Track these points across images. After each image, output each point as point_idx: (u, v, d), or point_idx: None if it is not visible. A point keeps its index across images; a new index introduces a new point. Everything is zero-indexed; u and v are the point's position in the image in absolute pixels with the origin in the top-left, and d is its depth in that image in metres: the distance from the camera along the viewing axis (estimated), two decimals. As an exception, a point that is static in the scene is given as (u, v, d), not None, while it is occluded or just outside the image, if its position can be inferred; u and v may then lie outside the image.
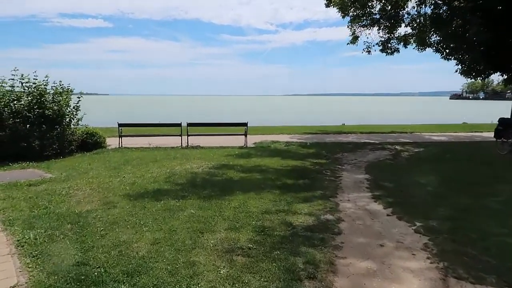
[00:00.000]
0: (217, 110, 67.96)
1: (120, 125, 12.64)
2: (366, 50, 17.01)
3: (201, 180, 7.54)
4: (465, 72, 14.36)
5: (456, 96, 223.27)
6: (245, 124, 12.98)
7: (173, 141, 13.18)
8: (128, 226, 4.84)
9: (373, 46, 17.21)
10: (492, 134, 17.33)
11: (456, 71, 14.83)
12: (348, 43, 16.70)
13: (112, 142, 13.19)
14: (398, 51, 18.19)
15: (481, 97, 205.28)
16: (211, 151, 11.59)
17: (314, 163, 9.84)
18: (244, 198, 6.20)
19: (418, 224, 5.08)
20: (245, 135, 13.03)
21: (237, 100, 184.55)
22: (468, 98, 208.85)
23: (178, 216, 5.24)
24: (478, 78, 14.39)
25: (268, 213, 5.43)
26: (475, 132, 18.70)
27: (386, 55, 18.20)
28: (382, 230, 4.88)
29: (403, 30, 19.92)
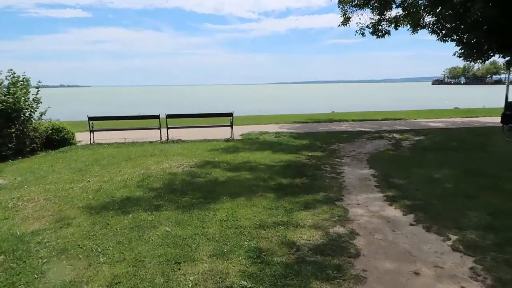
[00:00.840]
0: (202, 100, 66.40)
1: (90, 118, 11.28)
2: (359, 32, 15.88)
3: (181, 182, 6.36)
4: (465, 55, 13.42)
5: (438, 82, 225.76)
6: (230, 115, 11.79)
7: (152, 135, 11.92)
8: (80, 256, 3.67)
9: (365, 28, 16.08)
10: (488, 119, 16.85)
11: (454, 54, 13.90)
12: (339, 25, 15.54)
13: (83, 137, 11.85)
14: (389, 34, 17.11)
15: (462, 82, 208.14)
16: (194, 146, 10.39)
17: (309, 156, 8.76)
18: (233, 206, 5.07)
19: (452, 237, 4.05)
20: (231, 126, 11.85)
21: (222, 89, 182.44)
22: (449, 83, 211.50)
23: (148, 237, 4.08)
24: (478, 61, 13.46)
25: (263, 227, 4.32)
26: (471, 117, 17.93)
27: (377, 37, 17.10)
28: (411, 248, 3.83)
29: (394, 11, 18.90)
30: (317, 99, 63.39)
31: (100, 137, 11.76)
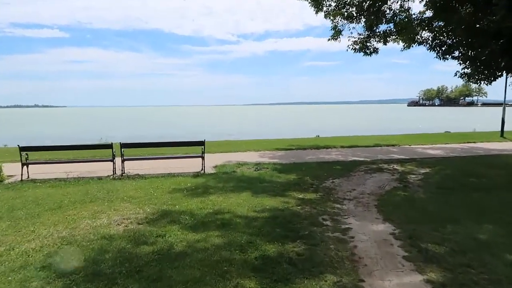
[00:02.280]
0: (177, 122, 64.13)
1: (22, 149, 8.93)
2: (352, 47, 14.24)
3: (114, 258, 4.17)
4: (469, 75, 11.88)
5: (413, 103, 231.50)
6: (201, 143, 9.69)
7: (106, 167, 9.67)
8: None
9: (357, 43, 14.49)
10: (489, 145, 15.32)
11: (456, 74, 12.38)
12: (329, 39, 13.91)
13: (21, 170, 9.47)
14: (377, 52, 15.70)
15: (436, 104, 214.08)
16: (153, 183, 8.20)
17: (301, 200, 6.76)
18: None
19: None
20: (202, 157, 9.74)
21: (199, 111, 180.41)
22: (424, 105, 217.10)
23: None
24: (484, 82, 11.94)
25: None
26: (468, 142, 16.48)
27: (364, 55, 15.64)
28: None
29: (384, 26, 17.52)
30: (298, 121, 62.26)
31: (39, 170, 9.44)
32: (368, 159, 11.80)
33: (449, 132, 23.00)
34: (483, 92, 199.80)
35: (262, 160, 11.80)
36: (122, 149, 9.33)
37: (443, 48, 12.61)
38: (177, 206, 6.27)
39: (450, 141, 16.79)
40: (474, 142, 16.47)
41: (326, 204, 6.54)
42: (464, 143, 16.37)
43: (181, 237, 4.79)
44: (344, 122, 52.38)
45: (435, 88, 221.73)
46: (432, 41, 12.79)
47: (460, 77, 12.32)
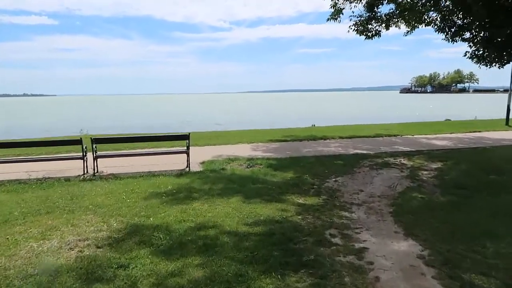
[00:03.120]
0: (167, 111, 62.57)
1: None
2: (354, 28, 13.01)
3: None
4: (479, 57, 10.83)
5: (406, 90, 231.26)
6: (186, 137, 8.50)
7: (76, 165, 8.46)
8: None
9: (357, 25, 13.27)
10: (497, 135, 14.37)
11: (465, 54, 11.31)
12: (328, 19, 12.67)
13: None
14: (379, 35, 14.52)
15: (428, 91, 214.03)
16: (128, 186, 7.04)
17: (301, 208, 5.67)
18: None
19: None
20: (187, 153, 8.57)
21: (191, 99, 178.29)
22: (417, 92, 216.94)
23: None
24: (496, 64, 10.90)
25: None
26: (473, 132, 15.49)
27: (366, 38, 14.47)
28: None
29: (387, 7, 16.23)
30: (292, 109, 61.17)
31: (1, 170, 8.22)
32: (372, 152, 10.73)
33: (450, 120, 22.04)
34: (474, 78, 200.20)
35: (255, 154, 10.67)
36: (95, 145, 8.12)
37: (453, 30, 11.49)
38: (151, 219, 5.13)
39: (453, 130, 15.78)
40: (479, 131, 15.49)
41: (332, 212, 5.46)
42: (469, 132, 15.39)
43: (150, 269, 3.66)
44: (339, 110, 51.42)
45: (427, 75, 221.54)
46: (440, 22, 11.64)
47: (470, 58, 11.25)
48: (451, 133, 15.08)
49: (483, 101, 79.63)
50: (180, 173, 8.10)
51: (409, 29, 14.22)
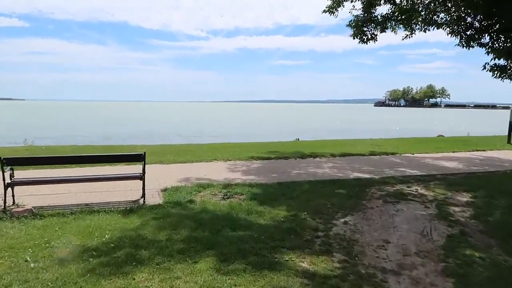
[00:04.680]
0: (134, 118, 59.45)
1: None
2: (352, 25, 11.19)
3: None
4: (503, 69, 9.18)
5: (380, 103, 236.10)
6: (140, 158, 6.20)
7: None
8: None
9: (351, 25, 11.51)
10: (505, 154, 12.75)
11: (484, 67, 9.62)
12: (324, 11, 10.77)
13: None
14: (376, 39, 12.84)
15: (402, 104, 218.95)
16: (44, 234, 4.70)
17: (311, 282, 3.55)
18: None
19: None
20: (142, 178, 6.27)
21: (165, 107, 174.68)
22: (390, 105, 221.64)
23: None
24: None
25: None
26: (476, 150, 13.92)
27: (360, 42, 12.77)
28: None
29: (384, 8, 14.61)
30: (271, 120, 59.57)
31: None
32: (376, 177, 8.78)
33: (443, 136, 20.66)
34: (446, 94, 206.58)
35: (233, 176, 8.51)
36: (10, 168, 5.72)
37: (468, 33, 9.82)
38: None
39: (454, 149, 14.16)
40: (483, 150, 13.93)
41: (361, 293, 3.36)
42: (472, 151, 13.80)
43: None
44: (321, 123, 50.08)
45: (401, 89, 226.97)
46: (454, 24, 9.96)
47: (490, 70, 9.59)
48: (453, 152, 13.43)
49: (460, 115, 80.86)
50: (131, 208, 5.81)
51: (408, 33, 12.58)
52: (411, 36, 12.67)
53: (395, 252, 4.47)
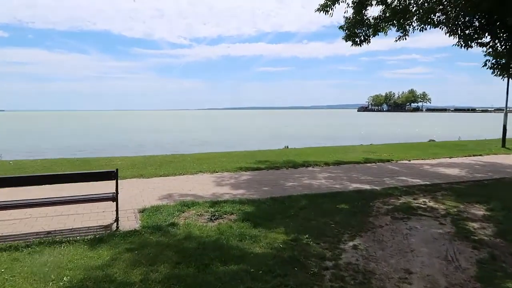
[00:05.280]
0: (117, 128, 57.97)
1: None
2: (349, 36, 10.66)
3: None
4: (505, 66, 8.64)
5: (363, 109, 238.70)
6: (111, 176, 5.26)
7: None
8: None
9: (343, 28, 10.92)
10: (503, 159, 12.15)
11: (485, 64, 9.09)
12: (318, 9, 10.06)
13: None
14: (369, 41, 12.29)
15: (384, 109, 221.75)
16: (-10, 275, 3.76)
17: None
18: None
19: None
20: (115, 200, 5.33)
21: (148, 115, 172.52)
22: (373, 110, 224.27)
23: None
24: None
25: None
26: (473, 155, 13.39)
27: (353, 45, 12.21)
28: None
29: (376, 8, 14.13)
30: (257, 127, 58.92)
31: None
32: (378, 188, 8.04)
33: (434, 140, 20.21)
34: (427, 98, 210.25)
35: (221, 191, 7.65)
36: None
37: (467, 32, 9.26)
38: None
39: (451, 154, 13.60)
40: (480, 155, 13.42)
41: None
42: (469, 156, 13.27)
43: None
44: (308, 129, 49.57)
45: (383, 94, 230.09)
46: (451, 23, 9.39)
47: (491, 68, 9.04)
48: (450, 158, 12.86)
49: (443, 119, 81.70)
50: (100, 237, 4.87)
51: (401, 34, 12.06)
52: (405, 38, 12.19)
53: (422, 287, 3.68)
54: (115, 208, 5.46)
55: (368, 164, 11.47)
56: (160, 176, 9.46)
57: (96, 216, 5.87)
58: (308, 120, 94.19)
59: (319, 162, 11.62)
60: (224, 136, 34.86)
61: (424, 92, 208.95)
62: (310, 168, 10.75)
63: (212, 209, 6.18)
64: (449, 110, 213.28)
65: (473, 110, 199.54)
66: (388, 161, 12.13)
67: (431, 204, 6.75)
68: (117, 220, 5.41)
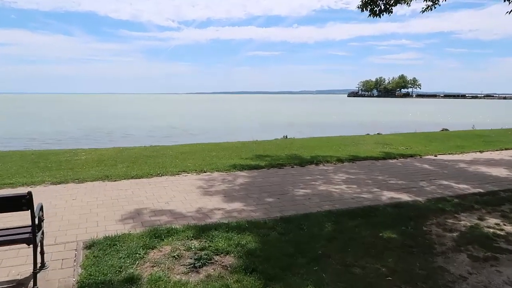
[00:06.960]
0: (96, 112, 54.98)
1: None
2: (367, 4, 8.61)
3: None
4: None
5: (353, 94, 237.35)
6: (20, 204, 3.08)
7: None
8: None
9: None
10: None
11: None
12: None
13: None
14: (391, 12, 10.26)
15: (374, 95, 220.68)
16: None
17: None
18: None
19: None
20: (33, 241, 3.17)
21: (136, 99, 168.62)
22: (364, 96, 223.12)
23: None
24: None
25: None
26: (505, 149, 11.50)
27: (370, 15, 10.17)
28: None
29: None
30: (249, 112, 56.68)
31: None
32: (420, 198, 6.01)
33: (448, 130, 18.36)
34: (417, 84, 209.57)
35: (209, 205, 5.53)
36: None
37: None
38: None
39: (480, 148, 11.66)
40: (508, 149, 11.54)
41: None
42: (502, 150, 11.42)
43: None
44: (304, 116, 47.48)
45: (374, 80, 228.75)
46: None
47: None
48: (481, 152, 10.93)
49: (440, 106, 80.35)
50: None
51: (430, 3, 10.01)
52: (434, 7, 10.16)
53: None
54: (38, 250, 3.30)
55: (390, 161, 9.46)
56: (132, 177, 7.31)
57: (10, 258, 3.71)
58: (301, 105, 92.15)
59: (329, 157, 9.56)
60: (214, 124, 32.53)
61: (415, 78, 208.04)
62: (321, 166, 8.68)
63: (196, 244, 4.06)
64: (439, 96, 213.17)
65: (463, 96, 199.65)
66: (411, 156, 10.14)
67: (509, 228, 4.75)
68: (39, 270, 3.25)
